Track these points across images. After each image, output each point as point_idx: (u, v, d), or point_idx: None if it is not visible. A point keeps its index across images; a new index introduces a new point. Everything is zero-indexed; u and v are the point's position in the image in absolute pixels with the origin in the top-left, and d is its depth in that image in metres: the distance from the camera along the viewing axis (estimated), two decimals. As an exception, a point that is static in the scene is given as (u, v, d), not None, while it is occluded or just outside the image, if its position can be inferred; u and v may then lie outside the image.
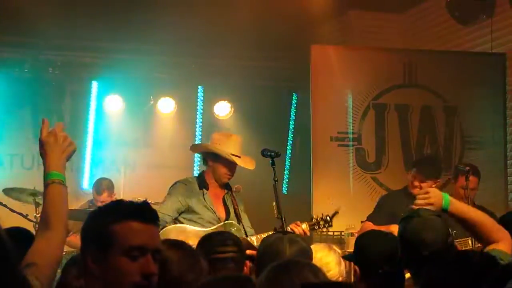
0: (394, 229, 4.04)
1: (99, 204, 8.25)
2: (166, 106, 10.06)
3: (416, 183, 6.73)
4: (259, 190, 7.51)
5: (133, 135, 10.30)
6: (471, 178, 6.76)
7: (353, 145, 8.56)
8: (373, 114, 8.73)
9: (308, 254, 3.69)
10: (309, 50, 8.80)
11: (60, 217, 2.66)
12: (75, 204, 8.87)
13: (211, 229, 5.62)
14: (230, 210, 6.06)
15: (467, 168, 6.51)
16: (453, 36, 9.19)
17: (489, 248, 3.52)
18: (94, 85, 9.88)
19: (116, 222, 2.35)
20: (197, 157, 10.23)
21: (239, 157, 6.02)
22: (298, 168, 10.20)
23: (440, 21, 9.31)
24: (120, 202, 2.48)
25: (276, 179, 5.63)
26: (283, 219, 5.45)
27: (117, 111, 9.92)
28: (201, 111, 10.38)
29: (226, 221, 5.91)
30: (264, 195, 7.37)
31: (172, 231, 5.66)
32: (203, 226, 5.84)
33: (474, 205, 6.89)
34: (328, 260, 4.21)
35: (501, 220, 3.87)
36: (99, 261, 2.34)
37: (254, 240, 5.72)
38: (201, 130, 10.40)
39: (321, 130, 8.59)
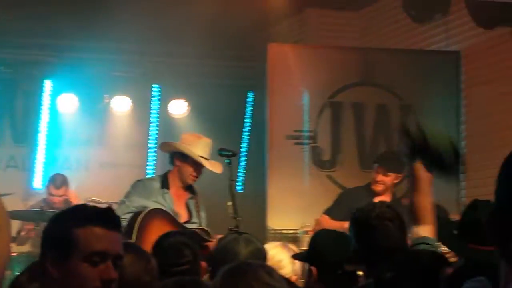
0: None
1: (55, 199, 8.13)
2: (121, 104, 9.96)
3: (379, 178, 6.72)
4: (214, 189, 7.44)
5: (86, 134, 10.19)
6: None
7: (308, 144, 8.55)
8: (329, 113, 8.74)
9: (263, 255, 3.68)
10: (266, 48, 8.77)
11: (5, 217, 2.60)
12: (25, 204, 8.73)
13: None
14: (193, 215, 5.97)
15: None
16: (408, 35, 9.24)
17: (416, 232, 3.49)
18: (47, 83, 9.73)
19: (78, 227, 2.33)
20: (151, 156, 10.16)
21: (207, 159, 5.93)
22: (254, 166, 10.16)
23: (396, 19, 9.35)
24: (83, 207, 2.46)
25: (232, 178, 5.59)
26: (238, 218, 5.40)
27: (71, 109, 9.79)
28: (157, 110, 10.29)
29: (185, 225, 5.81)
30: (219, 194, 7.32)
31: None
32: None
33: None
34: (281, 257, 4.16)
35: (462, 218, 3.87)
36: (59, 265, 2.31)
37: None
38: (156, 129, 10.31)
39: (277, 128, 8.57)
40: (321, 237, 3.91)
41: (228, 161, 5.70)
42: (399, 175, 6.75)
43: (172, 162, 5.96)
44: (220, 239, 3.89)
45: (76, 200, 8.29)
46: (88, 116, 10.03)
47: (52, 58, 9.74)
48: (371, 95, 8.76)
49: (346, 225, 5.31)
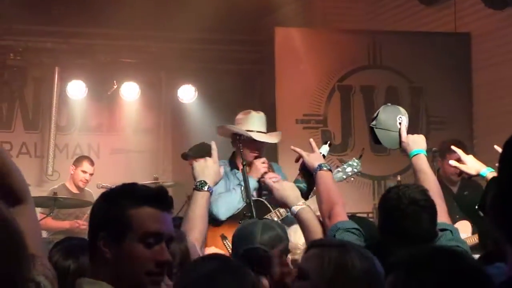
0: None
1: (88, 178, 8.21)
2: (130, 91, 9.96)
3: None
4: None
5: (96, 120, 10.22)
6: (457, 154, 6.86)
7: (318, 128, 8.55)
8: (338, 96, 8.73)
9: (283, 241, 3.55)
10: (273, 33, 8.75)
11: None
12: (38, 190, 8.78)
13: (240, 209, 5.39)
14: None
15: (434, 149, 6.57)
16: (417, 17, 9.21)
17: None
18: (57, 70, 9.73)
19: (132, 207, 2.28)
20: (166, 141, 10.20)
21: (264, 132, 5.63)
22: (264, 150, 10.15)
23: (403, 1, 9.32)
24: (135, 186, 2.37)
25: (244, 163, 5.55)
26: (251, 203, 5.39)
27: (80, 96, 9.80)
28: (165, 96, 10.30)
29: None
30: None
31: None
32: None
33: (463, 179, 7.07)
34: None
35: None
36: (112, 245, 2.26)
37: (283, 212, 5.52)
38: (166, 114, 10.34)
39: (287, 113, 8.57)
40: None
41: (240, 146, 5.65)
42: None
43: (233, 144, 5.66)
44: (241, 223, 3.86)
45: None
46: (97, 102, 10.05)
47: (61, 45, 9.75)
48: (380, 78, 8.75)
49: None
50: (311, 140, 4.30)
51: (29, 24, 9.49)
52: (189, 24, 9.46)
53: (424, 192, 3.32)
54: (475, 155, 8.47)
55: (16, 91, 9.73)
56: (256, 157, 5.54)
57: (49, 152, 9.71)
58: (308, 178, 4.03)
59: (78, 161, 8.60)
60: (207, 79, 10.17)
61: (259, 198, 5.43)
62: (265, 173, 5.43)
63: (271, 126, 9.41)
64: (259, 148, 5.58)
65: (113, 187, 2.46)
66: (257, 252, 3.41)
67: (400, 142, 4.11)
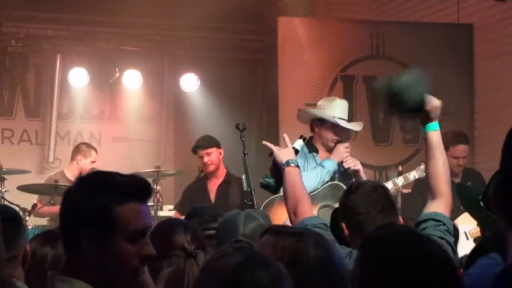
0: None
1: (95, 165, 8.18)
2: (132, 79, 9.95)
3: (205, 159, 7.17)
4: (227, 163, 7.48)
5: (98, 108, 10.21)
6: (460, 146, 6.89)
7: (321, 117, 8.52)
8: (341, 86, 8.73)
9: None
10: (276, 22, 8.74)
11: None
12: (39, 178, 8.79)
13: (317, 191, 5.41)
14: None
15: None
16: (420, 7, 9.19)
17: (430, 208, 3.50)
18: (59, 57, 9.72)
19: (117, 204, 2.18)
20: (168, 129, 10.20)
21: (346, 120, 5.68)
22: (265, 140, 10.14)
23: (407, -8, 9.31)
24: (116, 178, 2.23)
25: (245, 152, 5.58)
26: (253, 192, 5.42)
27: (82, 84, 9.79)
28: (168, 84, 10.29)
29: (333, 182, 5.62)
30: (233, 169, 7.36)
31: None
32: None
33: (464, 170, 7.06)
34: None
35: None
36: (95, 243, 2.17)
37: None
38: (168, 103, 10.34)
39: (289, 102, 8.57)
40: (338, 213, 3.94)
41: (241, 135, 5.68)
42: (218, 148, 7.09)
43: (312, 130, 5.71)
44: (226, 214, 3.84)
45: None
46: (99, 90, 10.03)
47: (63, 32, 9.73)
48: (383, 68, 8.73)
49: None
50: (285, 135, 4.29)
51: (31, 11, 9.47)
52: (192, 12, 9.45)
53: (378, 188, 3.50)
54: (476, 146, 8.54)
55: (18, 78, 9.71)
56: (337, 142, 5.59)
57: (51, 140, 9.71)
58: (277, 174, 4.03)
59: (85, 151, 8.45)
60: (210, 68, 10.16)
61: (338, 183, 5.48)
62: (347, 157, 5.54)
63: (273, 116, 9.46)
64: (341, 134, 5.62)
65: (86, 175, 2.35)
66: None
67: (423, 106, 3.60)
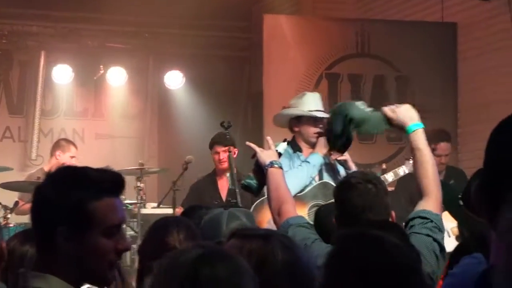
0: None
1: (73, 161, 8.08)
2: (117, 76, 9.92)
3: (222, 156, 7.02)
4: (211, 161, 7.46)
5: (82, 105, 10.17)
6: (442, 144, 6.91)
7: (305, 115, 8.52)
8: (326, 84, 8.73)
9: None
10: (262, 19, 8.73)
11: None
12: (22, 175, 8.73)
13: (306, 190, 5.36)
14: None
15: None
16: (405, 6, 9.21)
17: (420, 207, 3.50)
18: (43, 54, 9.68)
19: (93, 199, 2.15)
20: (152, 127, 10.17)
21: (322, 111, 5.54)
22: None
23: (391, -10, 9.33)
24: (89, 174, 2.20)
25: (230, 150, 5.57)
26: (236, 190, 5.41)
27: (66, 80, 9.76)
28: (152, 81, 10.26)
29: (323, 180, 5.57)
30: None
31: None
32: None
33: (447, 168, 7.09)
34: None
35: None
36: (72, 240, 2.14)
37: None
38: (153, 100, 10.31)
39: (274, 100, 8.55)
40: (322, 210, 3.93)
41: (226, 132, 5.67)
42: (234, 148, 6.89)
43: (291, 130, 5.60)
44: (210, 212, 3.82)
45: None
46: (83, 87, 10.00)
47: (48, 29, 9.69)
48: (368, 67, 8.76)
49: None
50: (268, 138, 4.30)
51: (15, 7, 9.43)
52: (178, 9, 9.43)
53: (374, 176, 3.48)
54: (460, 145, 8.57)
55: (1, 74, 9.67)
56: (319, 135, 5.47)
57: (33, 137, 9.67)
58: (259, 175, 4.03)
59: (63, 147, 8.44)
60: (195, 65, 10.14)
61: (327, 181, 5.38)
62: None
63: (258, 113, 9.45)
64: (321, 126, 5.48)
65: (58, 170, 2.32)
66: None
67: (388, 119, 3.76)
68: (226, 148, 7.07)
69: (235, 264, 1.94)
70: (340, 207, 3.42)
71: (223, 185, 7.23)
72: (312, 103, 5.53)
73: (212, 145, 7.20)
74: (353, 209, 3.33)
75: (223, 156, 7.01)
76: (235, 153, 7.16)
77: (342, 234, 2.21)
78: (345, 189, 3.42)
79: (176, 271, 1.91)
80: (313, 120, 5.49)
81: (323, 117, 5.41)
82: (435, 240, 3.36)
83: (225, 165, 7.00)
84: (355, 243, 2.09)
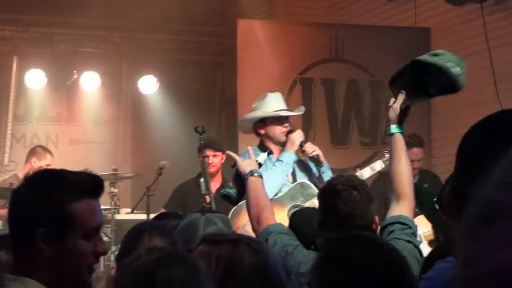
0: None
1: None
2: (90, 81, 9.87)
3: (211, 160, 6.86)
4: (186, 166, 7.45)
5: (55, 110, 10.11)
6: (414, 149, 6.94)
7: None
8: (300, 89, 8.75)
9: None
10: (235, 24, 8.73)
11: None
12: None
13: (284, 192, 5.32)
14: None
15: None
16: (378, 11, 9.26)
17: (395, 211, 3.50)
18: (15, 59, 9.60)
19: (72, 201, 2.13)
20: (126, 132, 10.12)
21: (286, 110, 5.50)
22: (224, 143, 10.14)
23: (365, -4, 9.37)
24: (68, 176, 2.19)
25: (204, 155, 5.55)
26: (211, 195, 5.39)
27: (39, 85, 9.69)
28: (126, 86, 10.23)
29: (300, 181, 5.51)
30: (191, 172, 7.33)
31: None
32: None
33: (420, 172, 7.16)
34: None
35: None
36: (52, 243, 2.12)
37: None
38: (126, 105, 10.26)
39: (248, 104, 8.51)
40: (298, 216, 3.94)
41: (200, 137, 5.65)
42: (223, 154, 6.87)
43: (257, 134, 5.54)
44: (188, 216, 3.80)
45: None
46: (56, 92, 9.94)
47: (21, 33, 9.62)
48: (341, 71, 8.79)
49: None
50: (249, 147, 4.30)
51: (-13, 12, 9.35)
52: (151, 14, 9.40)
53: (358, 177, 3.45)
54: (433, 149, 8.61)
55: (-27, 80, 9.59)
56: (287, 134, 5.43)
57: (6, 142, 9.59)
58: (239, 184, 4.04)
59: (39, 154, 8.34)
60: (169, 70, 10.12)
61: (304, 181, 5.34)
62: (304, 142, 5.37)
63: (232, 118, 9.44)
64: (287, 124, 5.47)
65: (36, 174, 2.30)
66: None
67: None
68: (217, 153, 7.07)
69: (192, 265, 1.96)
70: (324, 212, 3.41)
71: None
72: (275, 103, 5.49)
73: (201, 148, 7.18)
74: (337, 216, 3.32)
75: (213, 160, 7.01)
76: (223, 158, 7.17)
77: (333, 237, 2.20)
78: (330, 195, 3.39)
79: (134, 274, 1.93)
80: (279, 120, 5.45)
81: (288, 116, 5.43)
82: (415, 246, 3.36)
83: (214, 169, 7.01)
84: (349, 244, 2.10)
